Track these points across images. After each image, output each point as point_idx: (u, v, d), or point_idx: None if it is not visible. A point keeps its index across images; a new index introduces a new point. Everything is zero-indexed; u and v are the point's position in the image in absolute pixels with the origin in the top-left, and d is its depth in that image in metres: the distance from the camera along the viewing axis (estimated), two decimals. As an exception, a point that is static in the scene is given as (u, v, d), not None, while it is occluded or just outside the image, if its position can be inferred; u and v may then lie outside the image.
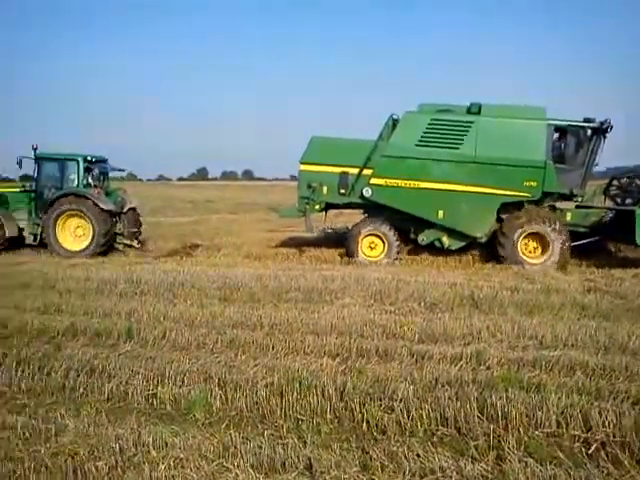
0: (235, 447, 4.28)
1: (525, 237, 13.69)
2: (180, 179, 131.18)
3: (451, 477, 3.85)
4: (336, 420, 4.84)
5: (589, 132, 13.85)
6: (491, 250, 14.18)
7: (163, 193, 58.70)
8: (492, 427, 4.54)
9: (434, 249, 14.44)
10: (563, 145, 14.12)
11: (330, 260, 14.51)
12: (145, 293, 9.55)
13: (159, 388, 5.33)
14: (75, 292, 9.60)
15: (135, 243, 16.86)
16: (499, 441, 4.37)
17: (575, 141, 13.96)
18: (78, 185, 15.78)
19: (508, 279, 11.45)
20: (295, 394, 5.09)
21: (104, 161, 17.14)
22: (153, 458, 4.11)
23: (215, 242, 18.31)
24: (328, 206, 15.13)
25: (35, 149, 15.95)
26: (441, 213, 13.87)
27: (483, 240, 14.22)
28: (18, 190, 16.75)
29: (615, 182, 15.68)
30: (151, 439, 4.35)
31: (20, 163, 15.87)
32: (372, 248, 14.40)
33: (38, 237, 15.86)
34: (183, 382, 5.47)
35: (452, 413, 4.73)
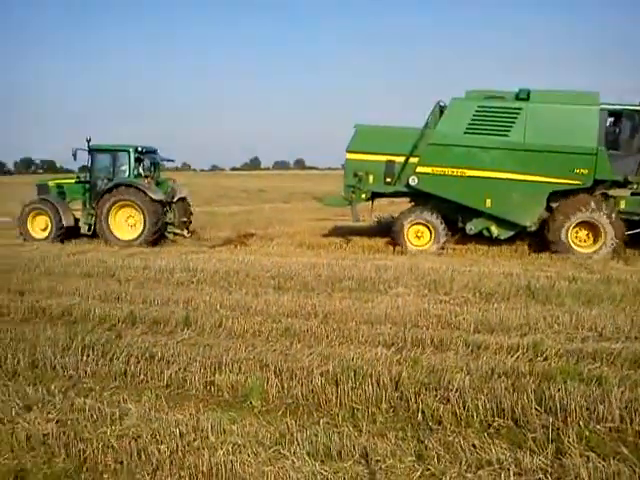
0: (291, 435, 4.34)
1: (575, 226, 13.31)
2: (233, 169, 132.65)
3: (509, 469, 3.80)
4: (391, 409, 4.84)
5: None
6: (541, 239, 13.82)
7: (217, 183, 59.61)
8: (551, 420, 4.47)
9: (486, 238, 14.18)
10: (617, 131, 13.58)
11: (382, 249, 14.44)
12: (201, 282, 9.74)
13: (216, 375, 5.43)
14: (134, 281, 9.88)
15: (185, 232, 17.10)
16: (558, 434, 4.29)
17: (630, 126, 13.37)
18: (129, 175, 16.08)
19: (566, 269, 11.19)
20: (350, 383, 5.11)
21: (154, 152, 17.39)
22: (212, 443, 4.21)
23: (268, 231, 18.50)
24: (374, 195, 15.01)
25: (89, 141, 16.31)
26: (489, 202, 13.56)
27: (533, 229, 13.87)
28: (73, 181, 17.25)
29: None
30: (209, 425, 4.45)
31: (75, 155, 16.31)
32: (419, 237, 14.26)
33: (92, 227, 16.24)
34: (240, 370, 5.56)
35: (509, 404, 4.67)
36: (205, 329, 7.05)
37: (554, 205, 13.55)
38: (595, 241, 13.27)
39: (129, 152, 16.11)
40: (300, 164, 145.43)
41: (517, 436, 4.34)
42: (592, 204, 13.15)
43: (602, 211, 13.08)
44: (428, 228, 14.15)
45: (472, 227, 13.99)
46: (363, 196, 14.60)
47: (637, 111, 13.30)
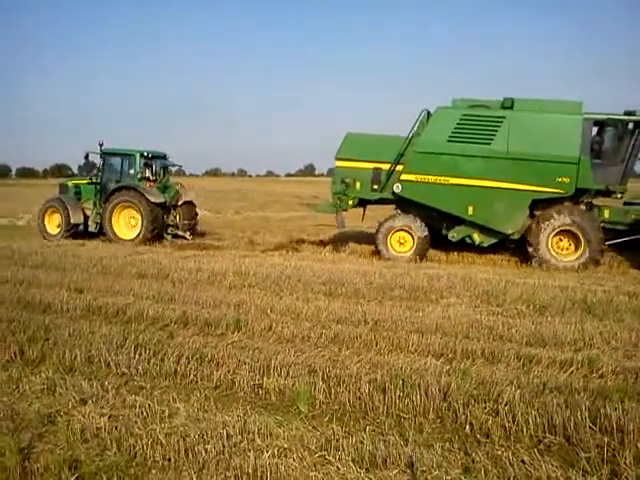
0: (337, 441, 4.33)
1: (557, 235, 13.23)
2: (288, 175, 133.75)
3: (559, 487, 3.70)
4: (439, 420, 4.78)
5: (630, 126, 12.97)
6: (523, 248, 13.78)
7: (271, 189, 60.21)
8: (606, 440, 4.31)
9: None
10: (601, 140, 13.29)
11: (435, 259, 14.32)
12: (253, 285, 9.84)
13: (265, 379, 5.47)
14: (187, 282, 10.06)
15: (187, 235, 17.97)
16: (614, 455, 4.14)
17: (614, 136, 13.17)
18: (134, 179, 17.04)
19: (625, 283, 10.81)
20: (398, 392, 5.08)
21: (163, 157, 18.40)
22: (258, 446, 4.24)
23: (320, 237, 18.57)
24: (364, 202, 15.13)
25: (101, 145, 17.46)
26: (471, 209, 13.64)
27: (516, 237, 13.83)
28: (86, 182, 18.41)
29: None
30: (256, 428, 4.50)
31: (87, 157, 17.74)
32: (401, 243, 14.41)
33: (98, 225, 17.42)
34: (288, 374, 5.58)
35: (561, 421, 4.54)
36: (255, 332, 7.12)
37: (537, 213, 13.50)
38: (576, 250, 13.17)
39: (135, 156, 17.17)
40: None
41: (569, 454, 4.22)
42: (572, 213, 13.13)
43: (582, 220, 13.03)
44: (411, 235, 14.26)
45: (455, 234, 14.10)
46: (350, 202, 14.83)
47: (620, 120, 13.04)
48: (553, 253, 13.30)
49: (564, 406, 4.77)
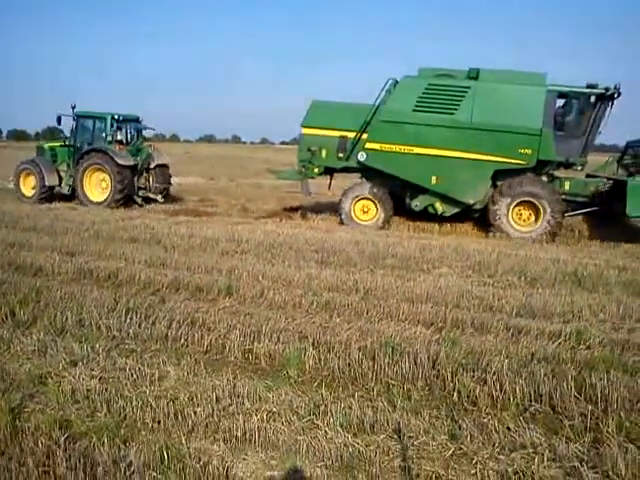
0: (326, 406, 4.38)
1: (518, 205, 13.38)
2: (282, 143, 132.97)
3: (543, 454, 3.76)
4: (427, 387, 4.83)
5: (593, 99, 13.01)
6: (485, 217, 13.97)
7: (265, 156, 59.86)
8: (590, 408, 4.38)
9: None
10: (563, 112, 13.44)
11: (428, 229, 14.33)
12: (245, 252, 9.85)
13: (255, 344, 5.50)
14: (179, 248, 10.04)
15: (159, 197, 18.03)
16: (597, 424, 4.21)
17: (576, 108, 13.34)
18: (104, 141, 17.05)
19: (616, 257, 10.88)
20: (387, 359, 5.12)
21: (136, 120, 18.44)
22: (247, 409, 4.29)
23: (313, 205, 18.52)
24: (328, 170, 15.16)
25: (73, 107, 17.47)
26: (434, 179, 13.70)
27: (478, 207, 13.96)
28: (59, 145, 18.42)
29: (630, 151, 15.03)
30: (245, 391, 4.54)
31: (59, 120, 17.61)
32: (365, 212, 14.53)
33: (71, 188, 17.48)
34: (278, 340, 5.61)
35: (547, 390, 4.60)
36: (246, 298, 7.13)
37: (499, 184, 13.62)
38: (536, 221, 13.33)
39: (106, 119, 17.17)
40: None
41: (554, 422, 4.29)
42: (533, 184, 13.27)
43: (542, 191, 13.18)
44: (374, 203, 14.33)
45: (418, 203, 14.17)
46: (316, 170, 14.86)
47: (582, 93, 13.12)
48: (512, 223, 13.48)
49: (551, 376, 4.83)
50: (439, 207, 14.01)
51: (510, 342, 5.79)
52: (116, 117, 17.31)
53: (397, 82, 14.03)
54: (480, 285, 8.12)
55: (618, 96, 12.88)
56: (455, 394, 4.69)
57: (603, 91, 12.84)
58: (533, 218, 13.43)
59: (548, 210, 13.14)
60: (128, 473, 3.45)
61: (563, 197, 13.79)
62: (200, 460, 3.62)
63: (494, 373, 4.85)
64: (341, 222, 14.59)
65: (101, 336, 5.72)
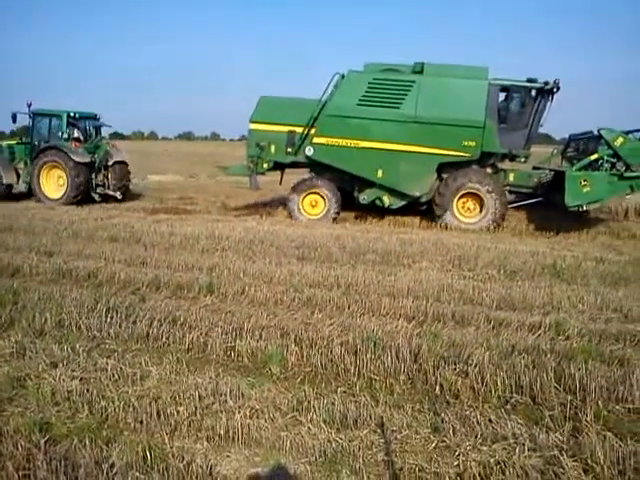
0: (309, 402, 4.38)
1: (462, 197, 13.67)
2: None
3: (524, 444, 3.80)
4: (409, 381, 4.86)
5: (534, 92, 13.42)
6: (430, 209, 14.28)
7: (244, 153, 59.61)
8: (569, 398, 4.45)
9: (510, 215, 14.04)
10: (506, 105, 13.79)
11: (408, 224, 14.40)
12: (226, 249, 9.81)
13: (237, 341, 5.48)
14: (159, 246, 9.97)
15: (118, 194, 17.98)
16: (576, 413, 4.27)
17: (518, 101, 13.69)
18: (60, 139, 17.06)
19: (594, 249, 11.04)
20: (369, 354, 5.14)
21: (93, 117, 18.50)
22: (230, 407, 4.28)
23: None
24: (277, 165, 15.24)
25: (29, 105, 17.49)
26: (380, 172, 13.90)
27: (424, 199, 14.21)
28: (16, 143, 18.42)
29: (572, 144, 15.48)
30: (228, 389, 4.52)
31: (14, 118, 17.58)
32: (313, 206, 14.65)
33: (28, 186, 17.43)
34: (260, 337, 5.60)
35: (527, 381, 4.65)
36: (228, 296, 7.11)
37: (445, 176, 13.90)
38: (480, 211, 13.65)
39: (62, 117, 17.22)
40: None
41: (534, 413, 4.34)
42: (477, 176, 13.57)
43: (486, 183, 13.48)
44: (322, 197, 14.48)
45: (365, 197, 14.35)
46: (265, 166, 14.91)
47: (523, 87, 13.49)
48: (457, 214, 13.77)
49: (531, 367, 4.88)
50: (386, 200, 14.21)
51: (491, 334, 5.84)
52: (72, 114, 17.37)
53: (343, 77, 14.11)
54: (460, 279, 8.17)
55: (557, 90, 13.20)
56: (437, 387, 4.72)
57: (543, 85, 13.20)
58: (478, 209, 13.73)
59: (491, 201, 13.47)
60: (111, 474, 3.42)
61: (508, 188, 14.29)
62: (183, 459, 3.61)
63: (475, 365, 4.89)
64: (290, 216, 14.71)
65: (81, 336, 5.67)
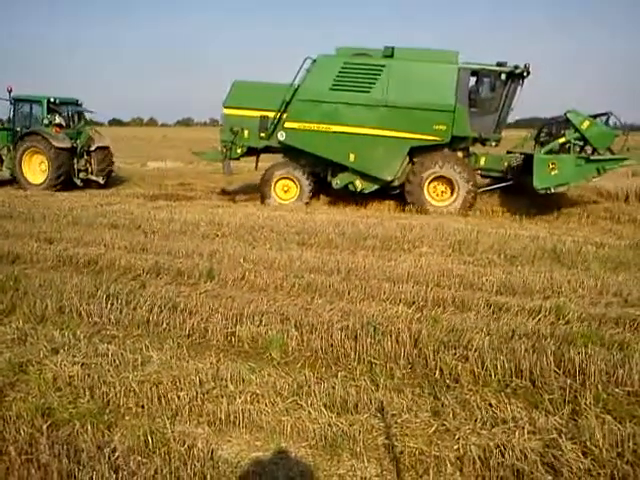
0: (309, 386, 4.40)
1: (433, 180, 13.80)
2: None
3: (523, 428, 3.83)
4: (409, 366, 4.87)
5: (504, 77, 13.41)
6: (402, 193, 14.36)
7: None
8: (569, 382, 4.46)
9: (518, 200, 14.01)
10: (476, 89, 13.79)
11: (408, 209, 14.37)
12: (226, 235, 9.81)
13: (237, 327, 5.49)
14: (159, 233, 9.97)
15: (101, 180, 18.08)
16: (575, 396, 4.29)
17: (488, 86, 13.66)
18: (41, 124, 17.15)
19: (594, 234, 11.04)
20: (369, 339, 5.15)
21: (75, 103, 18.58)
22: (230, 392, 4.30)
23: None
24: (251, 150, 15.25)
25: (10, 91, 17.50)
26: (352, 157, 13.93)
27: (395, 183, 14.26)
28: None
29: (545, 129, 15.48)
30: (229, 374, 4.54)
31: None
32: (285, 191, 14.71)
33: (11, 171, 17.57)
34: (261, 322, 5.61)
35: (527, 365, 4.66)
36: (228, 282, 7.12)
37: (416, 160, 13.96)
38: (451, 195, 13.74)
39: (43, 102, 17.31)
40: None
41: (534, 397, 4.35)
42: (447, 160, 13.62)
43: (457, 167, 13.55)
44: (294, 182, 14.54)
45: (338, 181, 14.38)
46: (239, 151, 14.95)
47: (493, 71, 13.46)
48: (428, 198, 13.85)
49: (531, 351, 4.89)
50: (359, 184, 14.23)
51: (491, 319, 5.84)
52: (52, 100, 17.42)
53: (315, 61, 14.06)
54: (460, 264, 8.18)
55: (528, 75, 13.22)
56: (437, 372, 4.74)
57: (512, 69, 13.18)
58: (449, 192, 13.80)
59: (462, 184, 13.54)
60: (112, 458, 3.45)
61: (479, 172, 14.40)
62: (185, 443, 3.63)
63: (475, 350, 4.90)
64: (262, 202, 14.75)
65: (82, 323, 5.69)
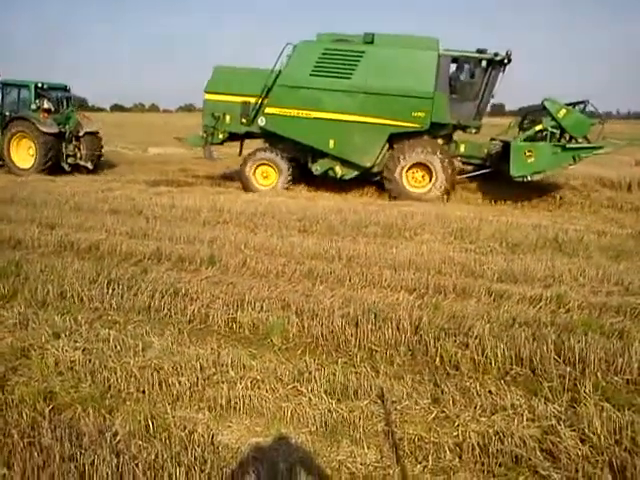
0: (309, 373, 4.42)
1: (411, 167, 13.74)
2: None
3: (522, 415, 3.85)
4: (409, 353, 4.89)
5: (484, 64, 13.32)
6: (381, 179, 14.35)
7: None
8: (568, 370, 4.48)
9: (520, 188, 13.96)
10: (456, 76, 13.72)
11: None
12: (227, 222, 9.80)
13: (238, 313, 5.51)
14: (161, 219, 9.96)
15: (89, 165, 18.13)
16: (575, 384, 4.31)
17: (468, 73, 13.63)
18: (28, 109, 17.21)
19: (596, 222, 11.02)
20: (370, 325, 5.16)
21: (63, 88, 18.61)
22: (231, 378, 4.32)
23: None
24: (233, 136, 15.24)
25: None
26: (332, 143, 13.91)
27: (375, 170, 14.25)
28: None
29: (529, 117, 15.29)
30: (230, 360, 4.56)
31: None
32: (265, 177, 14.74)
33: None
34: (262, 308, 5.62)
35: (527, 353, 4.68)
36: (229, 268, 7.12)
37: (396, 147, 13.91)
38: (430, 181, 13.72)
39: (30, 87, 17.36)
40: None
41: (534, 384, 4.37)
42: (425, 147, 13.57)
43: (434, 153, 13.50)
44: (273, 168, 14.56)
45: (318, 167, 14.43)
46: (220, 136, 14.97)
47: (473, 58, 13.39)
48: (406, 184, 13.81)
49: (531, 339, 4.90)
50: (339, 171, 14.26)
51: (492, 307, 5.85)
52: (40, 85, 17.45)
53: (295, 47, 14.01)
54: (462, 251, 8.17)
55: (509, 62, 13.12)
56: (437, 359, 4.76)
57: (492, 56, 13.08)
58: (427, 179, 13.77)
59: (440, 171, 13.49)
60: (114, 442, 3.47)
61: (459, 159, 14.44)
62: (185, 428, 3.66)
63: (476, 337, 4.91)
64: (243, 188, 14.74)
65: (83, 308, 5.71)
